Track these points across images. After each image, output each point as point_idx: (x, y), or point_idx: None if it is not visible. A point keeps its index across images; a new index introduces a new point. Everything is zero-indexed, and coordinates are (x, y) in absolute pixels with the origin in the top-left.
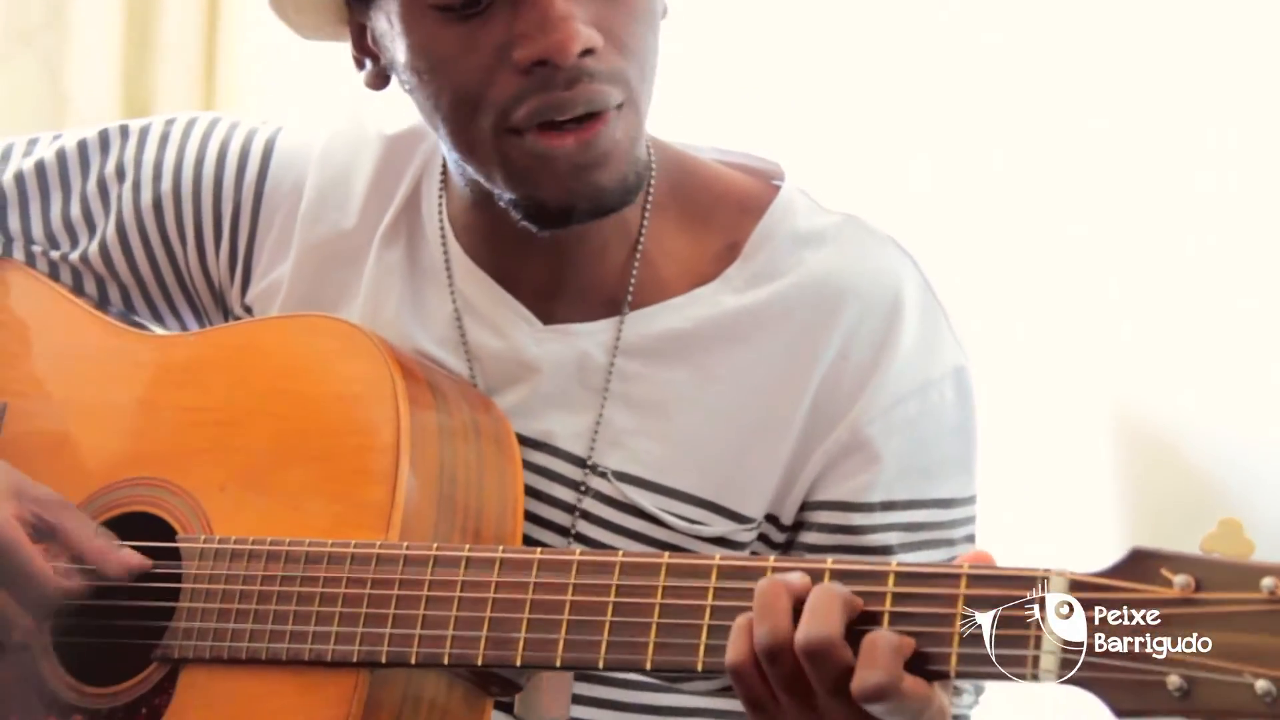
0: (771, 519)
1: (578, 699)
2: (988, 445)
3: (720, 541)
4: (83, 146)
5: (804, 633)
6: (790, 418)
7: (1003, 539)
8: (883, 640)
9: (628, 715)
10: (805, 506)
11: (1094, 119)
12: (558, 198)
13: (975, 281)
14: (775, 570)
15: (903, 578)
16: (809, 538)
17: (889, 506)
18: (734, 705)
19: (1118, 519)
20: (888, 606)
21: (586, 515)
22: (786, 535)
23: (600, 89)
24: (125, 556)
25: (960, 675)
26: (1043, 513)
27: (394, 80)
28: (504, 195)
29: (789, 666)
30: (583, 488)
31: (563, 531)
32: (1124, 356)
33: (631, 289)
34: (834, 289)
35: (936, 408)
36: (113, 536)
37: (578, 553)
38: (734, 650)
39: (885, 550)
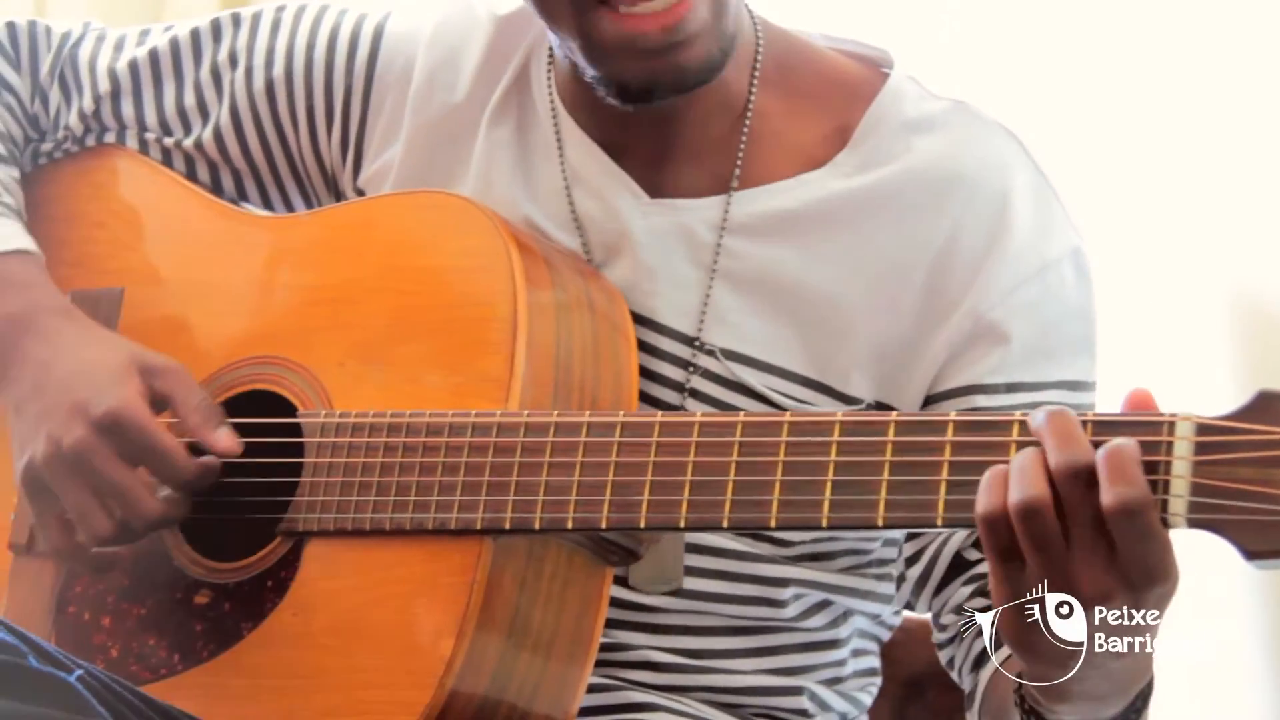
0: (883, 406)
1: (690, 570)
2: (1106, 324)
3: None
4: (195, 35)
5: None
6: (900, 304)
7: None
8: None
9: (740, 585)
10: (931, 399)
11: None
12: (639, 78)
13: (1091, 160)
14: (897, 424)
15: (1026, 426)
16: None
17: (1013, 388)
18: (845, 580)
19: (1234, 396)
20: (1011, 457)
21: (695, 393)
22: None
23: None
24: (217, 437)
25: None
26: (1159, 390)
27: None
28: (586, 71)
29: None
30: (691, 366)
31: (672, 409)
32: (1241, 233)
33: (739, 167)
34: (942, 175)
35: (1057, 289)
36: (216, 411)
37: (699, 415)
38: (985, 501)
39: None
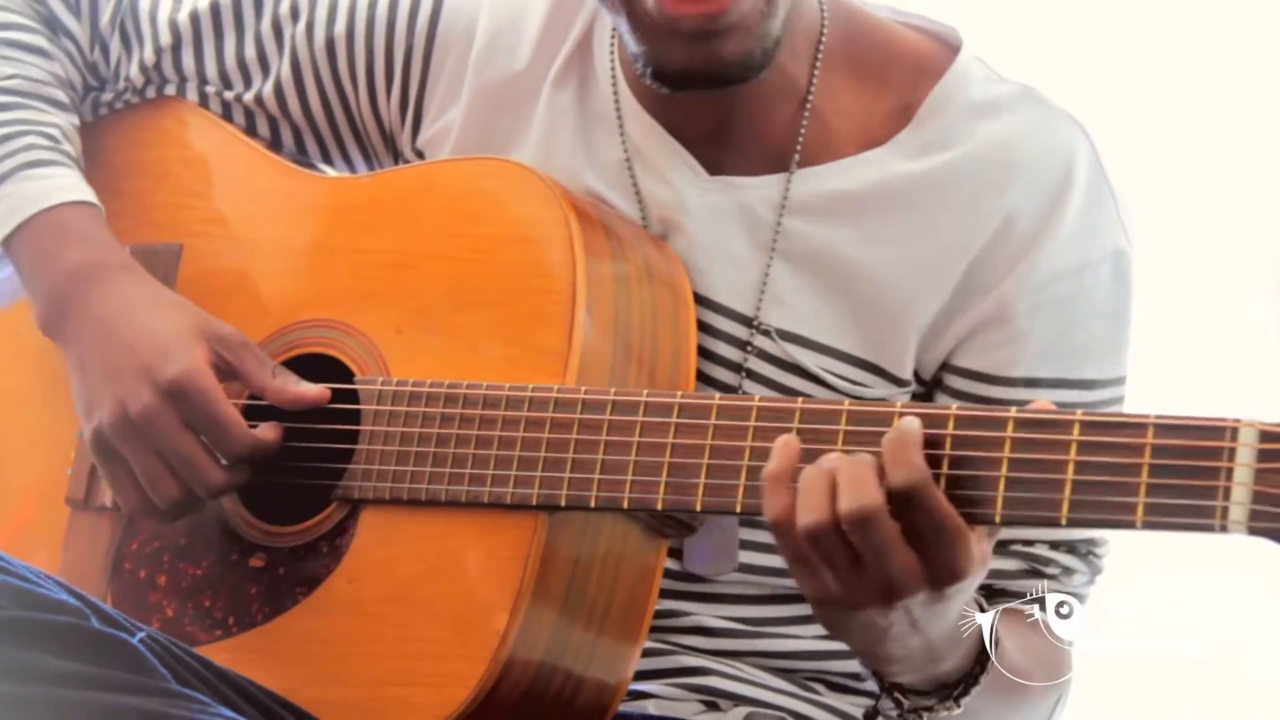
0: (916, 378)
1: (746, 544)
2: (1152, 311)
3: None
4: None
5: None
6: (948, 284)
7: (1166, 403)
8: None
9: None
10: (943, 367)
11: None
12: (676, 62)
13: (1138, 141)
14: (957, 418)
15: (1089, 426)
16: (946, 400)
17: (1032, 384)
18: None
19: None
20: (1072, 455)
21: (751, 374)
22: (923, 391)
23: None
24: (302, 390)
25: (1146, 526)
26: (1206, 376)
27: None
28: (630, 46)
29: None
30: (748, 346)
31: (728, 390)
32: None
33: (800, 145)
34: (1005, 162)
35: (1090, 290)
36: (290, 374)
37: (757, 399)
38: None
39: None
